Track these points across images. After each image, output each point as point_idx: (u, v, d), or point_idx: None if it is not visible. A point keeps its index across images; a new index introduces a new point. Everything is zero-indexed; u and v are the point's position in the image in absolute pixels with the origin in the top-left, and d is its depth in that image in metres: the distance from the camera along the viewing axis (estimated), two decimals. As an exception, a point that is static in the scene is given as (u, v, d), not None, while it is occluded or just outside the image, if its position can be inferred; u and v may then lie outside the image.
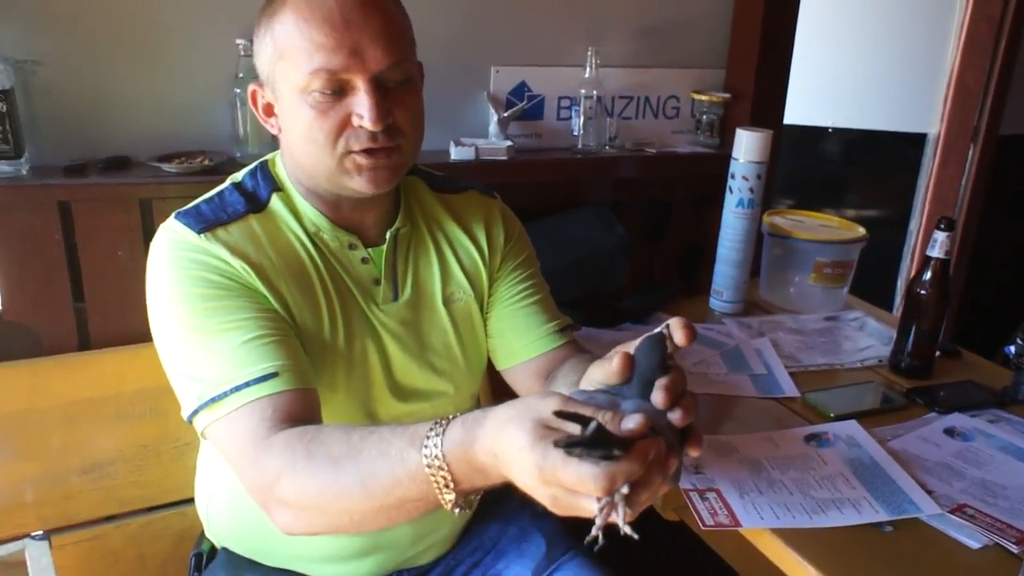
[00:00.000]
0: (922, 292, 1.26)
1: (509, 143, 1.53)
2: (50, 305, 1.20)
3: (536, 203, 1.57)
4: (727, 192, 1.48)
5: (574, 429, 0.56)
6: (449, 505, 0.67)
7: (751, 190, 1.45)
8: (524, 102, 1.59)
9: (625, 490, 0.55)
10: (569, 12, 1.58)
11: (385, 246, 0.95)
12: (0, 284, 1.18)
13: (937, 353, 1.34)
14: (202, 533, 1.08)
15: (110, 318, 1.23)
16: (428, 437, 0.65)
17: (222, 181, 0.95)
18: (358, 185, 0.86)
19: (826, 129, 2.32)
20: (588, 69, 1.57)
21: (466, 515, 1.07)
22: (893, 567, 0.86)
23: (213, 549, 1.05)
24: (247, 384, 0.79)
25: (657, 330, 0.68)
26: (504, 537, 1.09)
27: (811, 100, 2.30)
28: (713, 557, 1.24)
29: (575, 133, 1.62)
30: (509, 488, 0.63)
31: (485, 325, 1.04)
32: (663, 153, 1.68)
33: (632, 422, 0.57)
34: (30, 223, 1.17)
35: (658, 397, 0.62)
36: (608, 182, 1.65)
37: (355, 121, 0.83)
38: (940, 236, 1.23)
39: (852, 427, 1.10)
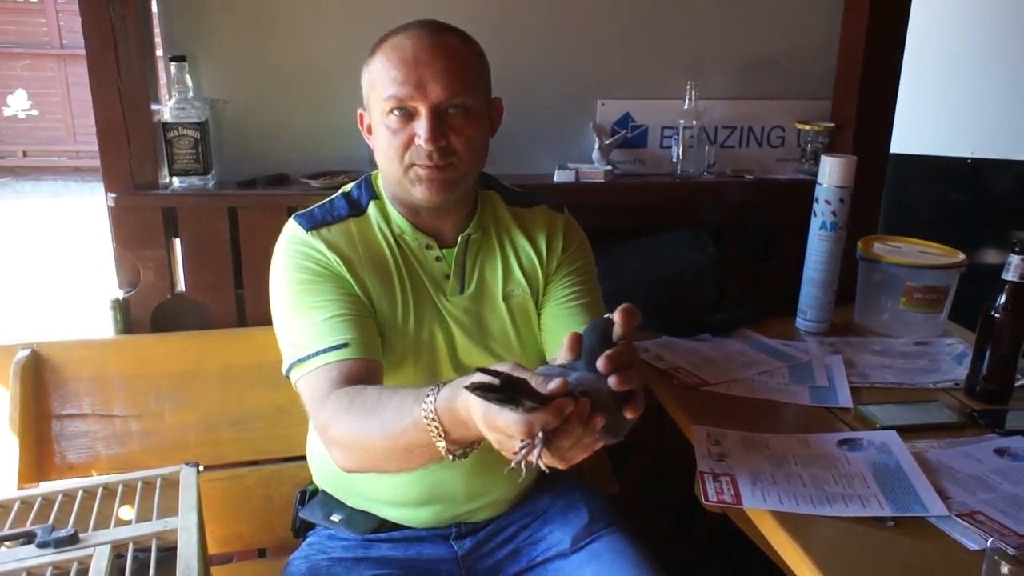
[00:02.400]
0: (996, 316, 1.26)
1: (608, 167, 1.69)
2: (218, 289, 1.52)
3: (636, 223, 1.72)
4: (812, 216, 1.54)
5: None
6: (443, 451, 0.84)
7: (834, 213, 1.50)
8: (627, 131, 1.74)
9: (541, 435, 0.71)
10: (673, 49, 1.72)
11: (456, 248, 1.15)
12: (185, 271, 1.52)
13: (1022, 380, 1.32)
14: (310, 477, 1.32)
15: (261, 303, 1.51)
16: (427, 396, 0.83)
17: None
18: (419, 193, 1.07)
19: (965, 160, 2.23)
20: (688, 101, 1.70)
21: (520, 484, 1.22)
22: (882, 557, 0.91)
23: (315, 489, 1.29)
24: (324, 351, 1.01)
25: (605, 316, 0.81)
26: (553, 508, 1.23)
27: (950, 130, 2.24)
28: (754, 550, 1.29)
29: (674, 160, 1.74)
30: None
31: (539, 320, 1.20)
32: (761, 179, 1.76)
33: (553, 384, 0.72)
34: (208, 224, 1.50)
35: (599, 364, 0.76)
36: (706, 205, 1.75)
37: (416, 140, 1.04)
38: (1015, 259, 1.23)
39: (889, 436, 1.14)
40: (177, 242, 1.52)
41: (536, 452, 0.72)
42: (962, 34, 2.18)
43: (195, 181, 1.53)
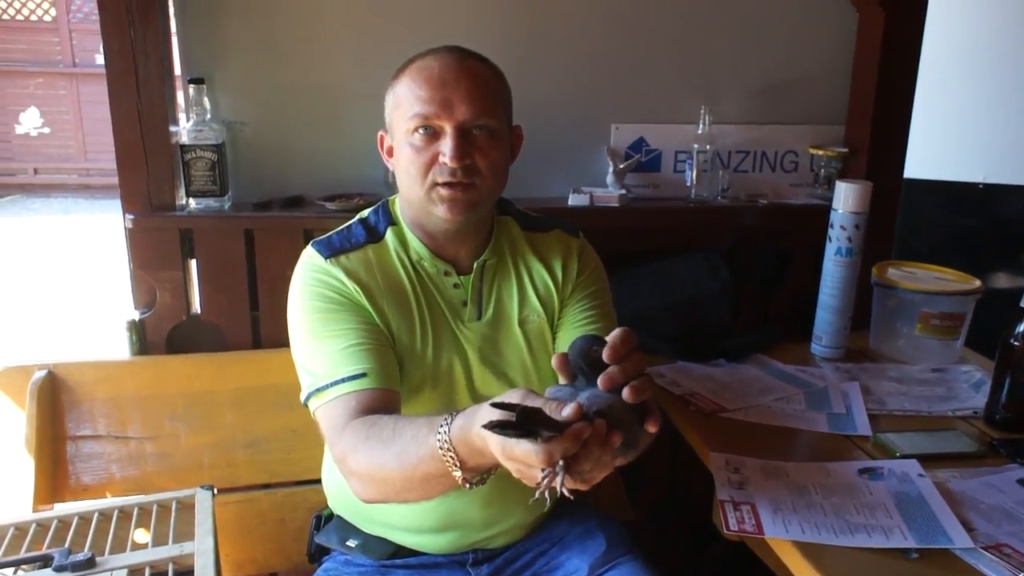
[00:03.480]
0: (1015, 343, 1.25)
1: (622, 191, 1.69)
2: (233, 311, 1.53)
3: (650, 246, 1.72)
4: (827, 242, 1.54)
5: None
6: (460, 480, 0.84)
7: (849, 239, 1.50)
8: (641, 155, 1.75)
9: (562, 463, 0.71)
10: (687, 74, 1.73)
11: (472, 274, 1.15)
12: (200, 293, 1.52)
13: (1041, 409, 1.31)
14: (325, 501, 1.31)
15: (277, 325, 1.51)
16: (441, 425, 0.84)
17: None
18: (440, 213, 1.07)
19: (976, 185, 2.24)
20: (701, 126, 1.71)
21: (538, 510, 1.22)
22: (909, 589, 0.90)
23: (331, 514, 1.28)
24: (342, 380, 1.02)
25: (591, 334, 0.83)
26: (570, 534, 1.22)
27: (961, 154, 2.24)
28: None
29: (688, 184, 1.75)
30: (582, 493, 0.77)
31: (554, 343, 1.20)
32: (775, 204, 1.77)
33: (567, 410, 0.72)
34: (224, 246, 1.50)
35: (602, 382, 0.77)
36: (720, 229, 1.75)
37: (440, 158, 1.05)
38: (1034, 288, 1.23)
39: (911, 465, 1.13)
40: (193, 263, 1.53)
41: (559, 479, 0.73)
42: (973, 59, 2.19)
43: (211, 203, 1.54)
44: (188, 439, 1.46)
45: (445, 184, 1.06)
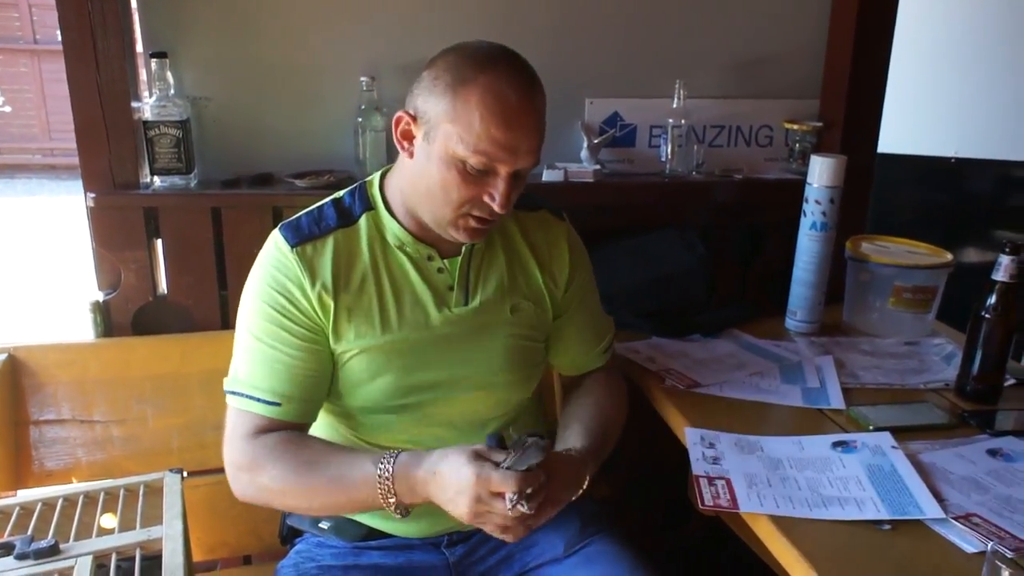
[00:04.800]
0: (987, 316, 1.26)
1: (597, 167, 1.68)
2: (201, 291, 1.49)
3: (625, 223, 1.70)
4: (802, 216, 1.54)
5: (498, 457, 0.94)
6: (392, 508, 0.99)
7: (824, 213, 1.50)
8: (616, 130, 1.73)
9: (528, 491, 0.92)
10: (661, 47, 1.71)
11: (460, 258, 1.12)
12: (167, 273, 1.48)
13: (1011, 380, 1.32)
14: (297, 482, 1.30)
15: (246, 304, 1.50)
16: (384, 459, 0.98)
17: None
18: (459, 237, 1.06)
19: (948, 159, 2.25)
20: (676, 100, 1.69)
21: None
22: (881, 561, 0.91)
23: (302, 496, 1.27)
24: (258, 400, 1.06)
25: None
26: (544, 513, 1.22)
27: (933, 129, 2.25)
28: (745, 550, 1.29)
29: (663, 159, 1.73)
30: None
31: (550, 340, 1.22)
32: (750, 179, 1.76)
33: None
34: (190, 225, 1.47)
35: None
36: (695, 205, 1.74)
37: (486, 198, 1.02)
38: (1005, 260, 1.23)
39: (884, 438, 1.14)
40: (159, 243, 1.49)
41: (525, 506, 0.93)
42: (945, 34, 2.19)
43: (177, 180, 1.50)
44: (156, 422, 1.43)
45: (479, 219, 1.04)
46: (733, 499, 1.00)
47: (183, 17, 1.48)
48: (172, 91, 1.47)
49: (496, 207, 1.01)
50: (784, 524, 0.95)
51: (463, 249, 1.12)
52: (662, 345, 1.50)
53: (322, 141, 1.60)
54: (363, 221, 1.11)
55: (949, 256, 1.55)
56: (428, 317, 1.10)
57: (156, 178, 1.49)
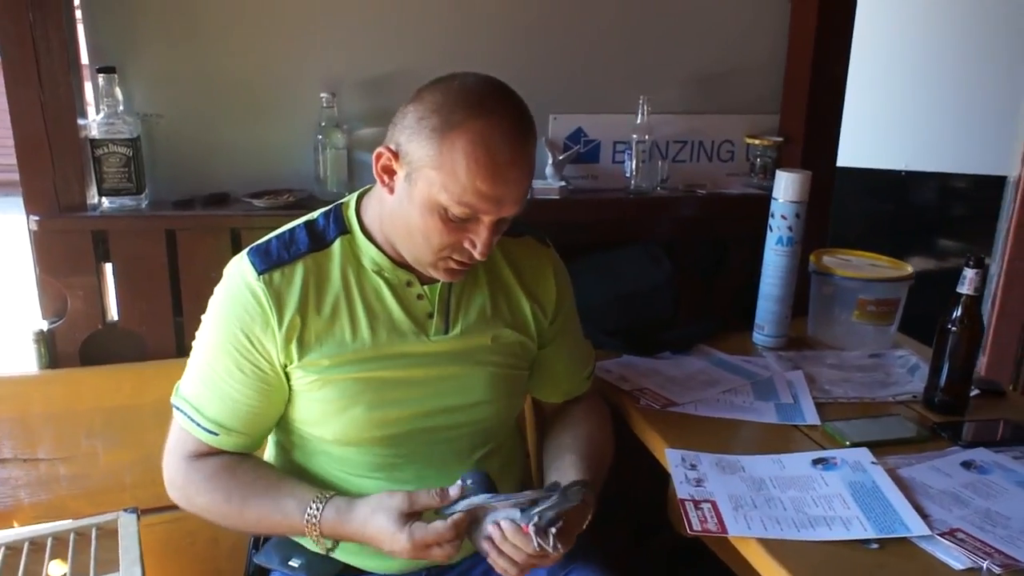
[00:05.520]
0: (953, 329, 1.28)
1: (562, 183, 1.66)
2: (155, 317, 1.42)
3: (591, 239, 1.69)
4: (768, 231, 1.54)
5: (428, 501, 0.97)
6: (317, 542, 1.01)
7: (790, 228, 1.50)
8: (580, 146, 1.72)
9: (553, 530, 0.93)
10: (624, 63, 1.70)
11: (440, 284, 1.08)
12: (117, 299, 1.41)
13: (976, 391, 1.34)
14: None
15: (203, 330, 1.43)
16: (310, 506, 0.99)
17: (301, 214, 1.12)
18: (437, 275, 1.03)
19: (899, 172, 2.31)
20: (640, 116, 1.69)
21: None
22: (872, 581, 0.90)
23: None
24: (199, 424, 1.05)
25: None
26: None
27: (885, 142, 2.31)
28: (719, 565, 1.28)
29: (628, 175, 1.73)
30: None
31: (534, 369, 1.19)
32: (714, 194, 1.76)
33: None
34: (143, 248, 1.39)
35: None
36: (660, 221, 1.74)
37: (466, 244, 0.99)
38: (969, 273, 1.25)
39: (862, 454, 1.14)
40: (108, 267, 1.42)
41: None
42: (898, 51, 2.25)
43: (127, 202, 1.43)
44: (107, 458, 1.35)
45: (458, 263, 1.01)
46: (721, 523, 0.98)
47: (132, 30, 1.42)
48: (121, 107, 1.40)
49: (476, 254, 0.99)
50: (773, 547, 0.94)
51: None
52: (633, 363, 1.48)
53: (280, 159, 1.55)
54: (337, 245, 1.06)
55: (909, 268, 1.58)
56: (406, 345, 1.06)
57: (104, 199, 1.42)
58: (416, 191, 0.97)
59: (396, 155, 0.98)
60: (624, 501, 1.74)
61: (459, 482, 1.00)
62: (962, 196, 2.35)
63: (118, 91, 1.39)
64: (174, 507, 1.35)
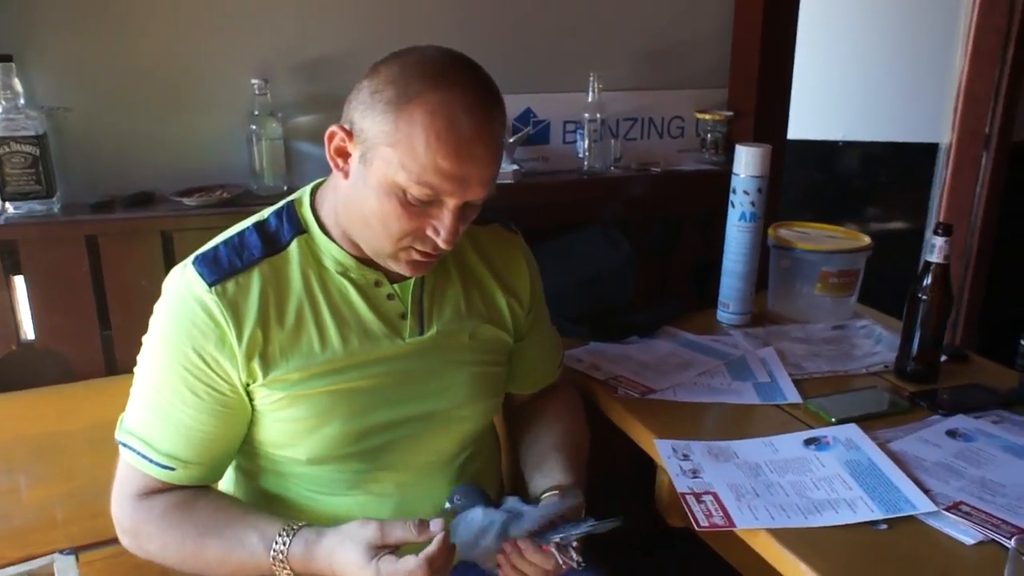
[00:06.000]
0: (923, 297, 1.27)
1: (515, 167, 1.58)
2: (79, 333, 1.27)
3: (545, 223, 1.61)
4: (729, 207, 1.51)
5: (403, 534, 0.86)
6: None
7: (752, 203, 1.47)
8: (530, 127, 1.64)
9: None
10: (570, 39, 1.63)
11: (412, 282, 0.99)
12: (33, 315, 1.25)
13: (944, 358, 1.34)
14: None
15: (135, 344, 1.28)
16: (276, 541, 0.88)
17: (238, 213, 1.01)
18: (400, 269, 0.94)
19: (836, 143, 2.33)
20: (591, 93, 1.62)
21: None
22: (888, 564, 0.87)
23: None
24: (148, 460, 0.93)
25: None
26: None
27: (822, 114, 2.32)
28: (720, 562, 1.25)
29: (580, 155, 1.66)
30: None
31: (511, 362, 1.12)
32: (668, 172, 1.72)
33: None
34: (60, 257, 1.24)
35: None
36: (615, 201, 1.69)
37: (429, 232, 0.89)
38: (938, 241, 1.25)
39: (852, 430, 1.11)
40: (19, 281, 1.26)
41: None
42: (835, 21, 2.25)
43: (36, 206, 1.27)
44: (33, 494, 1.20)
45: (422, 253, 0.92)
46: (727, 516, 0.93)
47: (31, 15, 1.25)
48: (22, 101, 1.24)
49: (440, 242, 0.90)
50: (784, 537, 0.90)
51: None
52: (601, 350, 1.42)
53: (210, 152, 1.41)
54: (294, 247, 0.96)
55: (867, 239, 1.58)
56: (380, 351, 0.97)
57: (9, 205, 1.26)
58: (372, 172, 0.87)
59: (350, 134, 0.89)
60: (605, 493, 1.69)
61: (446, 504, 0.94)
62: (895, 164, 2.39)
63: (17, 82, 1.23)
64: (115, 540, 1.24)
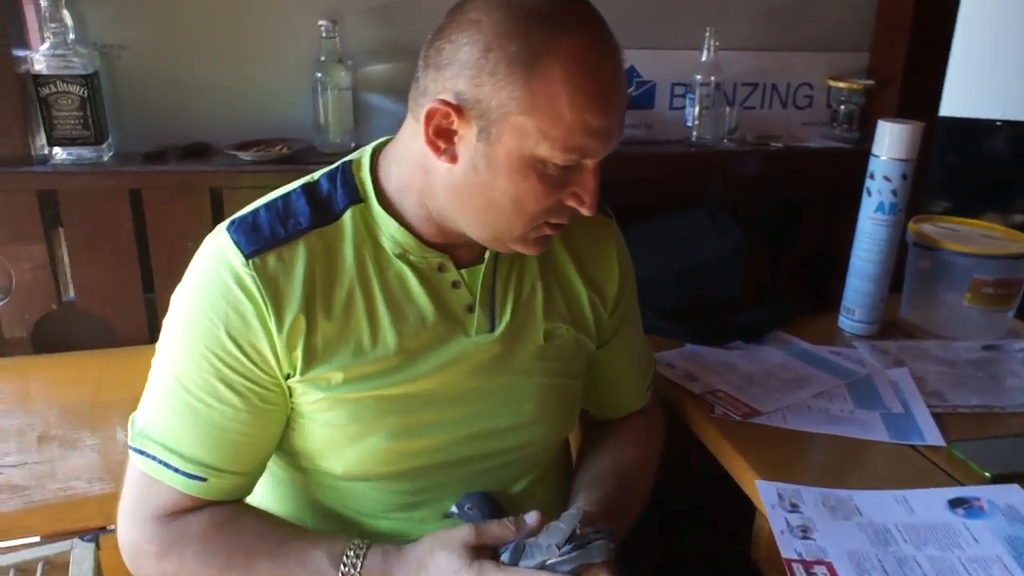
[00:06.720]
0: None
1: (612, 134, 1.38)
2: (121, 295, 1.18)
3: (643, 201, 1.42)
4: (864, 194, 1.26)
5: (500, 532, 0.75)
6: None
7: (894, 192, 1.23)
8: (632, 88, 1.43)
9: None
10: (685, -12, 1.41)
11: (483, 267, 0.83)
12: (71, 273, 1.16)
13: None
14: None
15: (179, 311, 1.19)
16: (347, 556, 0.75)
17: (298, 172, 0.85)
18: (527, 250, 0.79)
19: (994, 122, 2.00)
20: (706, 52, 1.40)
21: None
22: None
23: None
24: (176, 470, 0.78)
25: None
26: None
27: (975, 88, 2.00)
28: None
29: (689, 124, 1.44)
30: None
31: (592, 369, 0.94)
32: (791, 148, 1.48)
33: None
34: (102, 211, 1.14)
35: None
36: (726, 180, 1.47)
37: (570, 201, 0.75)
38: None
39: (1015, 494, 0.88)
40: (63, 233, 1.16)
41: None
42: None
43: (85, 153, 1.17)
44: (66, 465, 1.12)
45: (555, 226, 0.78)
46: (847, 600, 0.74)
47: (83, -64, 1.14)
48: (71, 36, 1.13)
49: (584, 210, 0.76)
50: (923, 639, 0.69)
51: (486, 255, 0.83)
52: (700, 355, 1.23)
53: (271, 102, 1.27)
54: (347, 218, 0.79)
55: (1034, 242, 1.30)
56: (441, 350, 0.81)
57: (57, 150, 1.16)
58: (500, 150, 0.72)
59: (459, 110, 0.71)
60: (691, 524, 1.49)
61: (452, 508, 0.81)
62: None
63: (67, 15, 1.12)
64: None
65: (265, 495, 0.92)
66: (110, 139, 1.19)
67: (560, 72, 0.68)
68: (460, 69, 0.71)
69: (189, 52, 1.22)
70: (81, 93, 1.14)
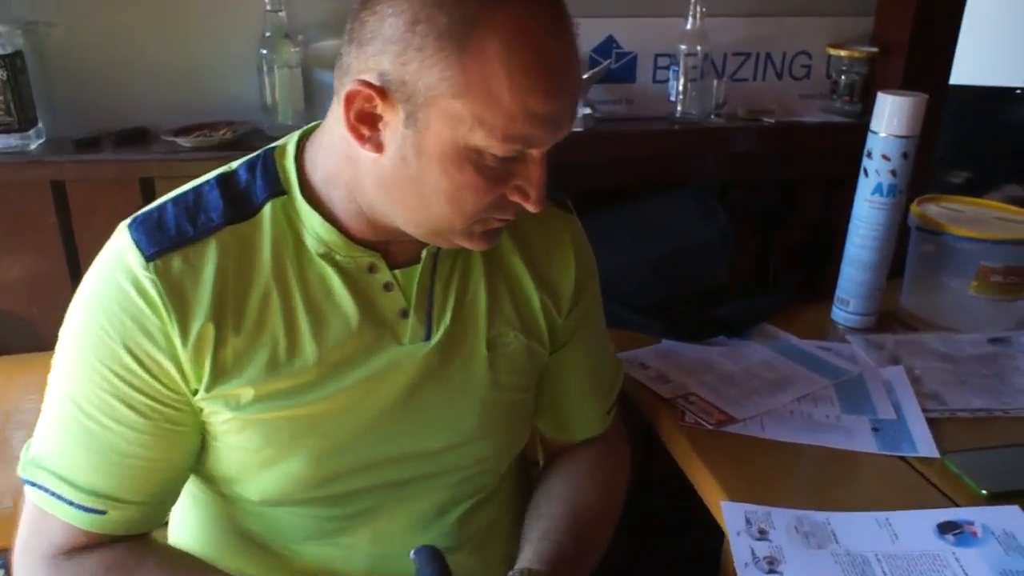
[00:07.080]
0: None
1: (588, 111, 1.28)
2: (46, 295, 1.10)
3: (622, 184, 1.33)
4: (861, 175, 1.15)
5: None
6: None
7: (893, 172, 1.11)
8: (611, 61, 1.32)
9: None
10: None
11: (420, 267, 0.73)
12: (-6, 271, 1.09)
13: None
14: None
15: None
16: None
17: (241, 157, 0.75)
18: (469, 246, 0.70)
19: (1013, 90, 1.86)
20: (691, 19, 1.29)
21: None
22: None
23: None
24: (67, 501, 0.69)
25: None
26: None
27: (991, 53, 1.86)
28: None
29: (673, 98, 1.34)
30: None
31: (543, 379, 0.85)
32: (786, 123, 1.37)
33: None
34: (24, 205, 1.06)
35: None
36: (713, 159, 1.37)
37: (514, 196, 0.66)
38: None
39: (1012, 516, 0.78)
40: (-12, 230, 1.09)
41: None
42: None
43: (10, 141, 1.09)
44: (-4, 475, 1.05)
45: (502, 220, 0.70)
46: (811, 650, 0.65)
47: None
48: (-10, 13, 1.05)
49: (530, 206, 0.67)
50: None
51: (423, 253, 0.73)
52: (675, 353, 1.13)
53: (216, 81, 1.19)
54: (267, 212, 0.70)
55: (1053, 225, 1.19)
56: (369, 360, 0.72)
57: (-22, 137, 1.08)
58: (429, 139, 0.62)
59: (382, 92, 0.61)
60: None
61: (412, 554, 0.69)
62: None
63: (-17, -10, 1.03)
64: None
65: (184, 519, 0.84)
66: (39, 125, 1.11)
67: (497, 47, 0.59)
68: (384, 45, 0.61)
69: (123, 28, 1.14)
70: (2, 75, 1.05)
